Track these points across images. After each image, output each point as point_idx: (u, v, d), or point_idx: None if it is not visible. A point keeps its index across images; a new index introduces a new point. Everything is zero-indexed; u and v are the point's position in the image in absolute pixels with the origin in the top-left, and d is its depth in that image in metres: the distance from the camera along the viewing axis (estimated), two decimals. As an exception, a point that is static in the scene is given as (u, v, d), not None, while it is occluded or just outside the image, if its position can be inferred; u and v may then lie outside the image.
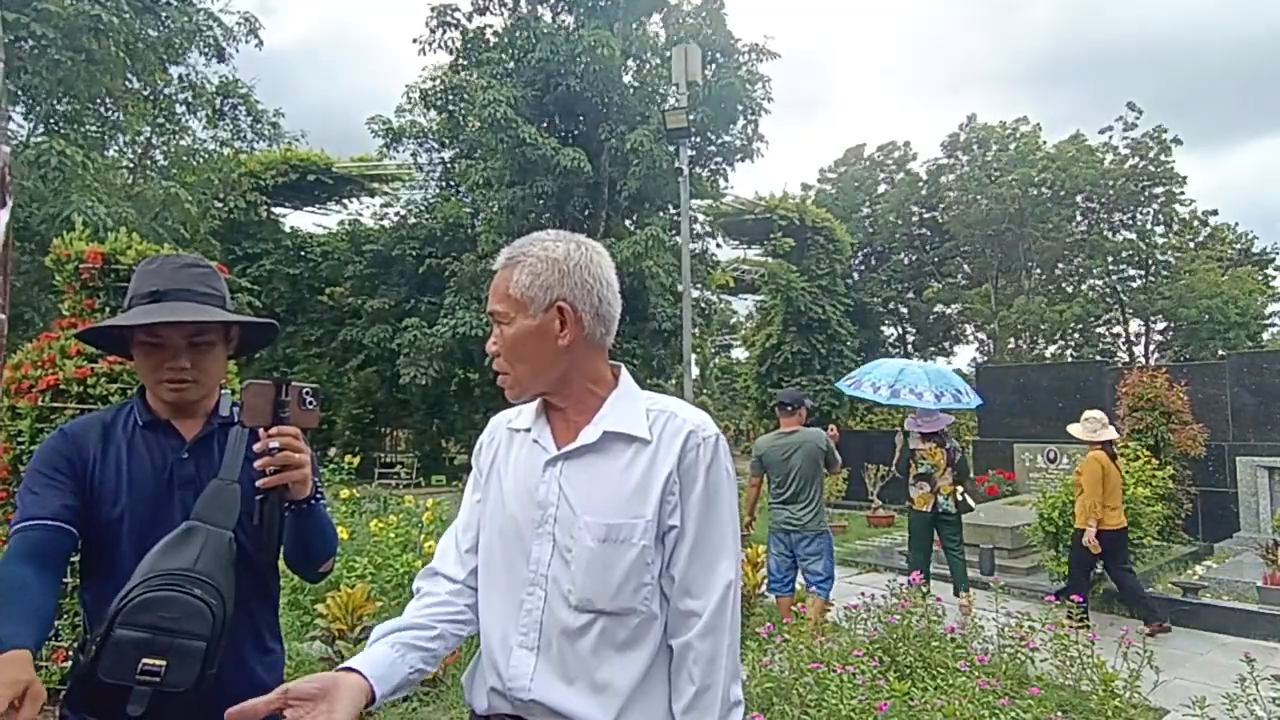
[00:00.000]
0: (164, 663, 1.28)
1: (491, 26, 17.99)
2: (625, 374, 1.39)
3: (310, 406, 1.52)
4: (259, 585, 1.57)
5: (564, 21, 17.49)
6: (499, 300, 1.31)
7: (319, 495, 1.58)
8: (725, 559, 1.28)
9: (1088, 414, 6.48)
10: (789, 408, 5.76)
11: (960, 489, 6.56)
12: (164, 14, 13.87)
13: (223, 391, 1.63)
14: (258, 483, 1.46)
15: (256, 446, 1.47)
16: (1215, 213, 31.51)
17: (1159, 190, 29.57)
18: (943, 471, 6.59)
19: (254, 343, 1.77)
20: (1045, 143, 29.79)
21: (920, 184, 32.49)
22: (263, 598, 1.61)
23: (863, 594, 4.39)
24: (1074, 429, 6.48)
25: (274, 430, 1.46)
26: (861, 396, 7.91)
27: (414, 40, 17.87)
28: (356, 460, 8.20)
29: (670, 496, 1.26)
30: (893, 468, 7.58)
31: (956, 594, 6.27)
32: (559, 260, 1.29)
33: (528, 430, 1.37)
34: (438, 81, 19.10)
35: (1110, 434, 6.20)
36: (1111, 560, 6.11)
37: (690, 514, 1.26)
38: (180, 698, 1.30)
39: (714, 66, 18.19)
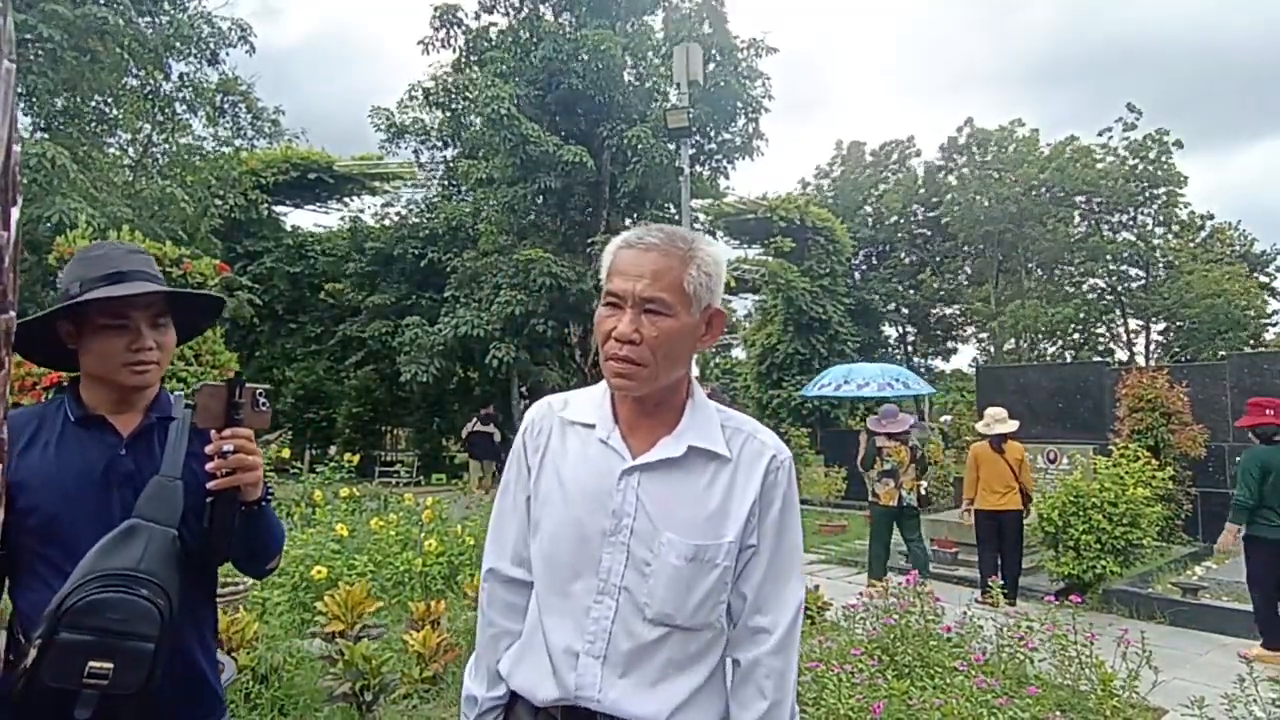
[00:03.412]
0: (111, 665, 1.25)
1: (495, 25, 18.04)
2: (695, 382, 1.36)
3: (263, 408, 1.50)
4: (201, 583, 1.54)
5: (566, 19, 17.51)
6: (668, 289, 1.22)
7: (269, 496, 1.56)
8: (796, 579, 1.32)
9: (988, 410, 7.30)
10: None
11: (922, 484, 7.28)
12: (163, 15, 13.89)
13: (162, 386, 1.60)
14: (209, 485, 1.44)
15: (209, 448, 1.44)
16: (1211, 216, 31.57)
17: (1159, 191, 29.57)
18: (906, 468, 7.21)
19: (196, 326, 1.74)
20: (1043, 146, 29.80)
21: (920, 183, 32.51)
22: (205, 596, 1.57)
23: (862, 593, 4.41)
24: (979, 425, 7.25)
25: (228, 432, 1.44)
26: (821, 395, 8.98)
27: (419, 42, 17.90)
28: (356, 459, 8.19)
29: (752, 519, 1.27)
30: (858, 464, 8.06)
31: (871, 578, 7.12)
32: (721, 264, 1.29)
33: (590, 426, 1.31)
34: (440, 80, 19.12)
35: (1002, 429, 6.91)
36: (1000, 537, 6.82)
37: (767, 535, 1.29)
38: (127, 699, 1.28)
39: (714, 64, 18.19)
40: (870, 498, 7.41)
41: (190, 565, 1.44)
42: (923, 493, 7.32)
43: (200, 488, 1.47)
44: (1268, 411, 5.49)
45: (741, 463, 1.28)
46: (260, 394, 1.50)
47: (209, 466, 1.44)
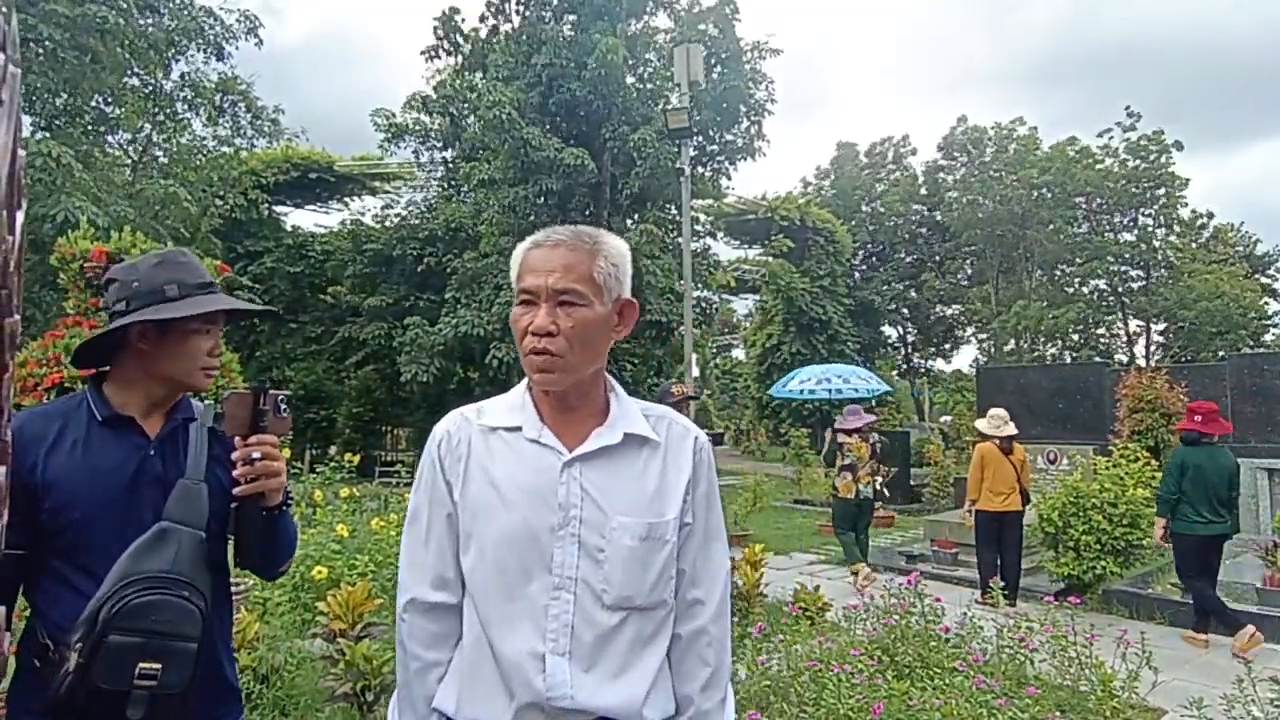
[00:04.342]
0: (159, 666, 1.29)
1: (497, 30, 18.08)
2: (609, 376, 1.42)
3: (284, 414, 1.53)
4: (221, 586, 1.56)
5: (567, 21, 17.52)
6: (579, 280, 1.26)
7: (289, 501, 1.59)
8: (722, 549, 1.40)
9: (992, 411, 7.24)
10: None
11: (879, 478, 7.71)
12: (165, 13, 13.90)
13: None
14: (236, 490, 1.47)
15: (236, 454, 1.47)
16: (1211, 215, 31.60)
17: (1160, 192, 29.59)
18: (865, 463, 7.63)
19: None
20: (1041, 144, 29.81)
21: (919, 182, 32.51)
22: (225, 598, 1.60)
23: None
24: (979, 423, 7.26)
25: (254, 440, 1.46)
26: (794, 394, 9.66)
27: (422, 52, 18.07)
28: (357, 459, 8.19)
29: (688, 496, 1.34)
30: (821, 458, 8.72)
31: (850, 563, 7.52)
32: (626, 257, 1.34)
33: (515, 429, 1.31)
34: (441, 87, 19.19)
35: (1010, 430, 6.92)
36: (1000, 539, 6.86)
37: (699, 511, 1.36)
38: (173, 699, 1.31)
39: (719, 68, 18.21)
40: (831, 491, 7.94)
41: (211, 567, 1.47)
42: (878, 487, 7.73)
43: (221, 491, 1.50)
44: (1196, 417, 5.80)
45: (670, 445, 1.34)
46: (282, 400, 1.53)
47: (236, 473, 1.46)
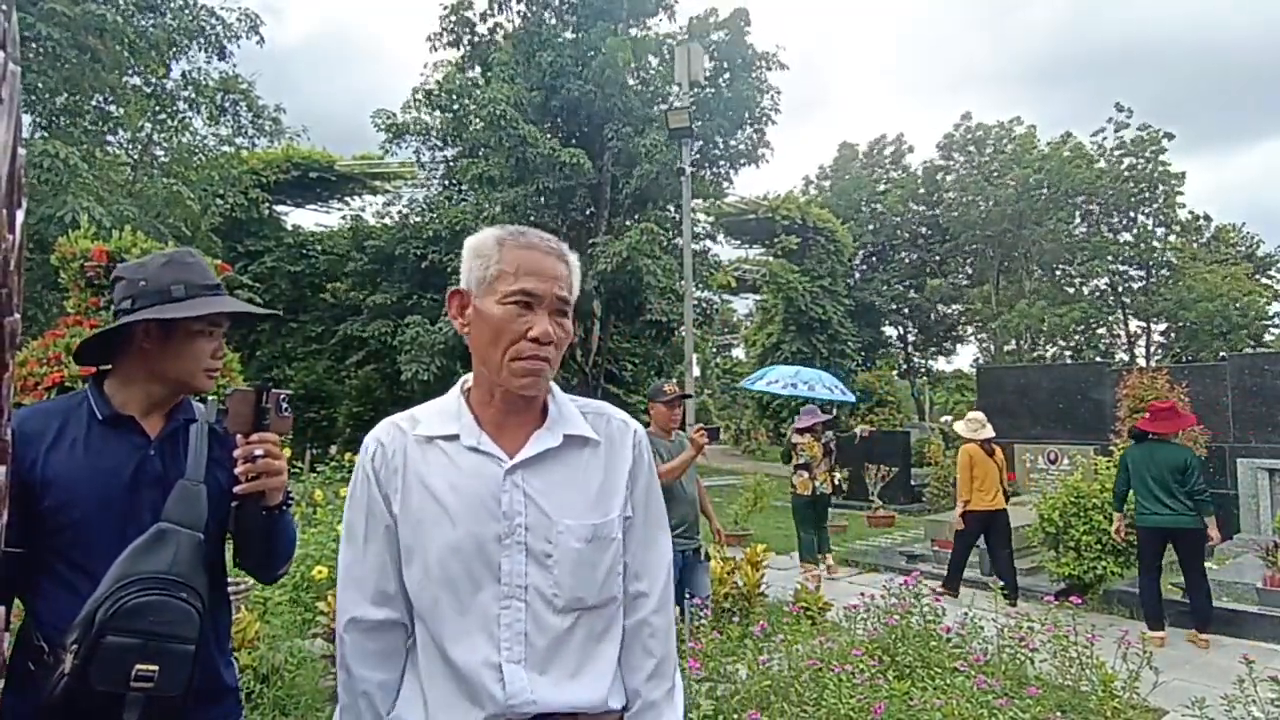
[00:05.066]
0: (156, 667, 1.27)
1: (500, 27, 18.08)
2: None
3: (286, 413, 1.53)
4: (218, 587, 1.55)
5: (569, 21, 17.53)
6: (570, 293, 1.30)
7: (289, 501, 1.58)
8: (664, 539, 1.40)
9: (970, 414, 7.59)
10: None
11: (835, 475, 8.18)
12: (166, 12, 13.90)
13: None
14: (237, 489, 1.46)
15: (238, 453, 1.46)
16: (1209, 218, 31.58)
17: (1157, 190, 29.57)
18: (819, 461, 8.02)
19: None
20: (1039, 143, 29.79)
21: (919, 182, 32.50)
22: (222, 599, 1.59)
23: (862, 594, 4.40)
24: (958, 426, 7.52)
25: (256, 438, 1.46)
26: (763, 390, 10.53)
27: (427, 38, 18.01)
28: (357, 458, 8.20)
29: (628, 491, 1.34)
30: (781, 457, 9.16)
31: (802, 560, 7.92)
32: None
33: (452, 438, 1.28)
34: (444, 83, 19.16)
35: (988, 433, 7.25)
36: (989, 537, 7.07)
37: (639, 505, 1.36)
38: (168, 702, 1.29)
39: (728, 75, 18.22)
40: (790, 488, 8.31)
41: (209, 569, 1.45)
42: (835, 483, 8.20)
43: (220, 493, 1.49)
44: (1145, 415, 6.13)
45: (610, 442, 1.35)
46: (284, 398, 1.53)
47: (238, 470, 1.45)
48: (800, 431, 8.12)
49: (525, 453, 1.27)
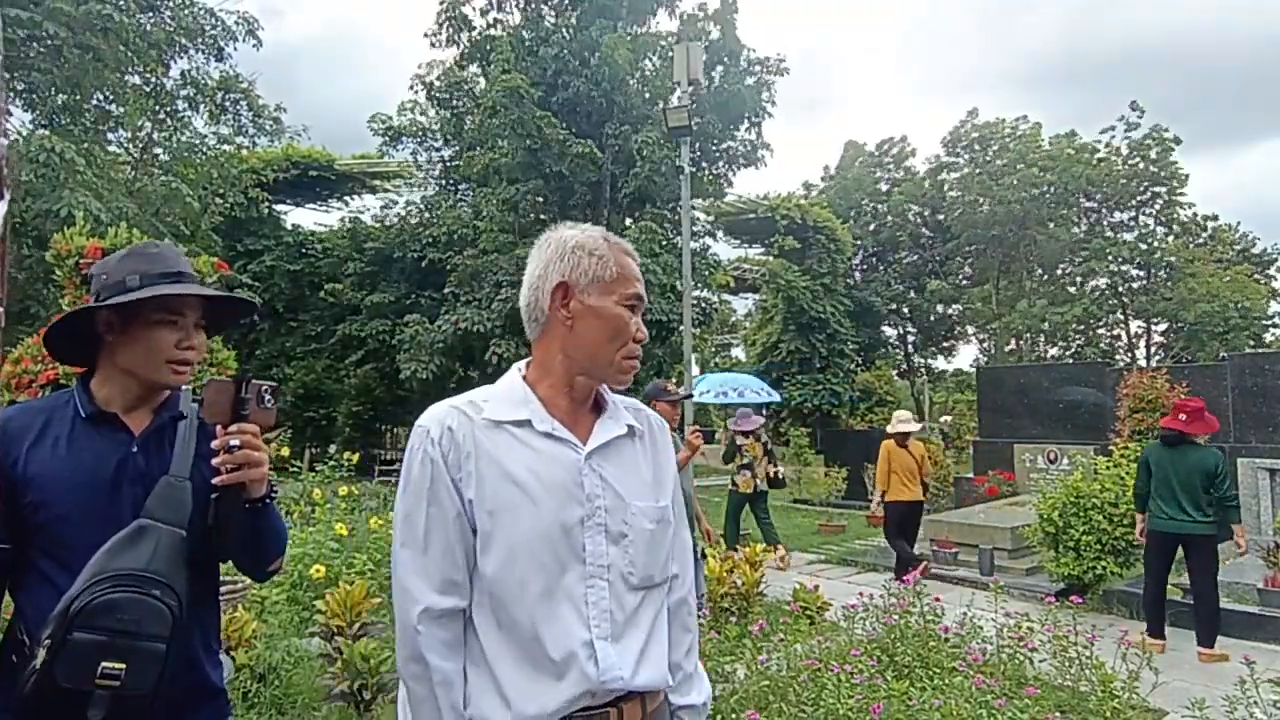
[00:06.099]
0: (124, 666, 1.25)
1: (500, 23, 18.05)
2: None
3: (269, 405, 1.49)
4: (206, 585, 1.53)
5: (569, 20, 17.50)
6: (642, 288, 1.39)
7: (273, 494, 1.55)
8: (685, 528, 1.51)
9: (897, 413, 8.29)
10: None
11: (772, 469, 8.83)
12: (167, 11, 13.89)
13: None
14: (214, 480, 1.43)
15: (215, 443, 1.43)
16: (1215, 218, 31.52)
17: (1160, 190, 29.52)
18: (760, 460, 8.72)
19: (219, 327, 1.75)
20: (1044, 141, 29.72)
21: (922, 182, 32.46)
22: (209, 597, 1.56)
23: (861, 594, 4.39)
24: (890, 425, 8.08)
25: (234, 428, 1.43)
26: (699, 401, 11.32)
27: (425, 34, 17.97)
28: (356, 457, 8.17)
29: (671, 478, 1.46)
30: (721, 459, 9.70)
31: (729, 548, 7.85)
32: None
33: (523, 423, 1.30)
34: (444, 77, 19.13)
35: (903, 429, 7.77)
36: (902, 525, 7.71)
37: (675, 490, 1.47)
38: (138, 701, 1.27)
39: (721, 69, 18.19)
40: (730, 486, 8.95)
41: (196, 566, 1.43)
42: (773, 475, 8.86)
43: (208, 489, 1.46)
44: (1180, 416, 5.70)
45: (651, 432, 1.45)
46: (266, 390, 1.49)
47: (215, 461, 1.43)
48: (743, 434, 8.75)
49: (596, 439, 1.35)
